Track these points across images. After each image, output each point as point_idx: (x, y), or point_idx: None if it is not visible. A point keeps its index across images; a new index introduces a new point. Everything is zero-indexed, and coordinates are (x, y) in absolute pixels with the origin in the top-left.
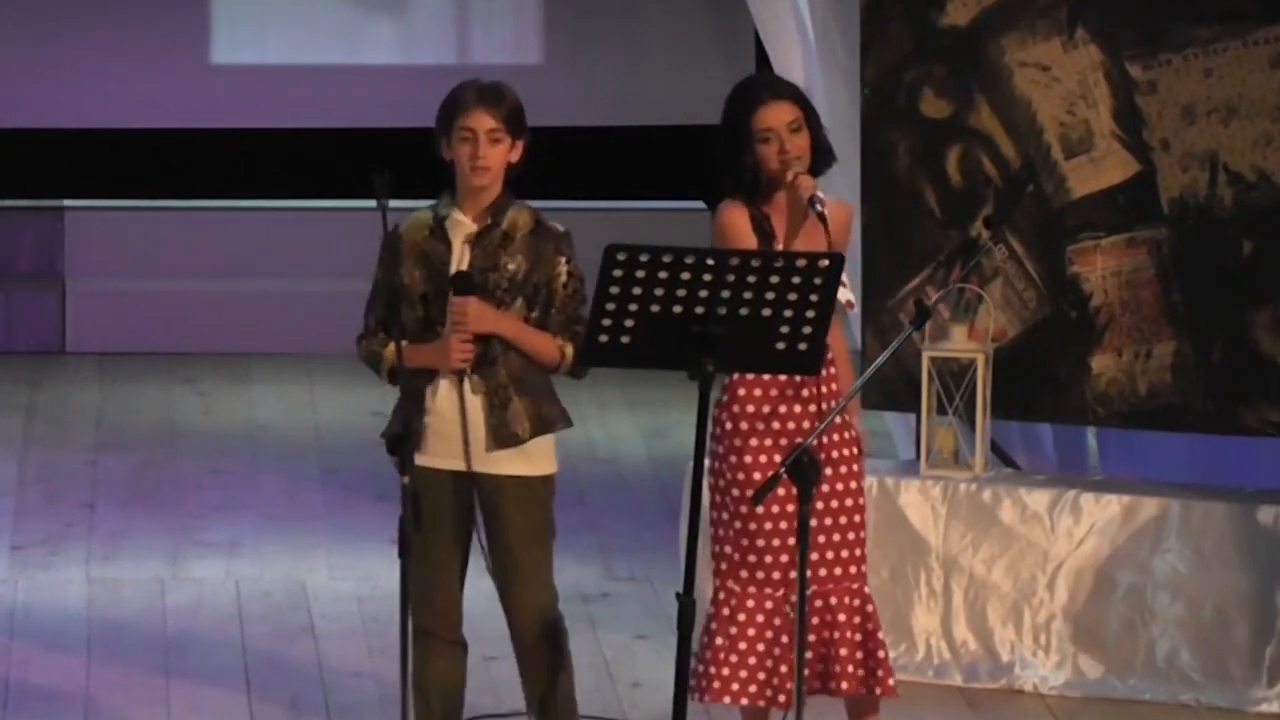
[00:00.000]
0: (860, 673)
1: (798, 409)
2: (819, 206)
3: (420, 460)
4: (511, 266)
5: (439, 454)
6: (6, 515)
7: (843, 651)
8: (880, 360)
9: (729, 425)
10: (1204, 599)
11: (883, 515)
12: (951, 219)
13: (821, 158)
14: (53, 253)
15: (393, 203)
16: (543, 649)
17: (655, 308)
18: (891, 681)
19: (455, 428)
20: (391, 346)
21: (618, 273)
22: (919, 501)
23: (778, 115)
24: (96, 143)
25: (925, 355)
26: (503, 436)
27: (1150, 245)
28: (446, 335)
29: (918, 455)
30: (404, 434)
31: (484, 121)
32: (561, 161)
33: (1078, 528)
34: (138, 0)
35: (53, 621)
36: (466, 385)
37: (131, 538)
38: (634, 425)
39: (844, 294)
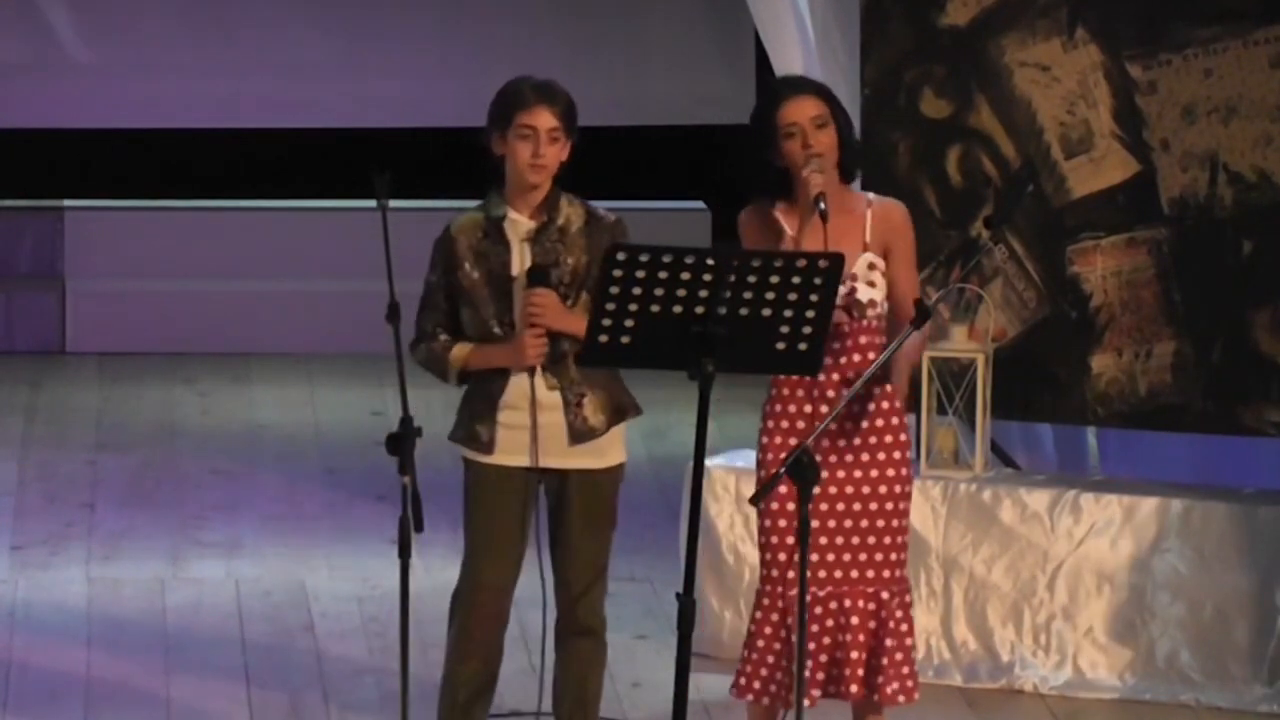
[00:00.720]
0: (871, 678)
1: (824, 409)
2: (822, 205)
3: (491, 460)
4: (570, 261)
5: (511, 452)
6: (6, 515)
7: (854, 655)
8: (880, 360)
9: (762, 424)
10: (1204, 599)
11: None
12: (951, 219)
13: (850, 157)
14: (53, 253)
15: (392, 203)
16: (586, 639)
17: (655, 308)
18: (889, 690)
19: (530, 426)
20: (458, 349)
21: (618, 273)
22: (919, 501)
23: (800, 110)
24: (96, 143)
25: (925, 355)
26: (579, 431)
27: (1150, 245)
28: (519, 333)
29: (918, 455)
30: (404, 434)
31: (545, 120)
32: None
33: (1078, 528)
34: (137, 0)
35: (53, 621)
36: (540, 382)
37: (131, 538)
38: (634, 425)
39: (870, 293)
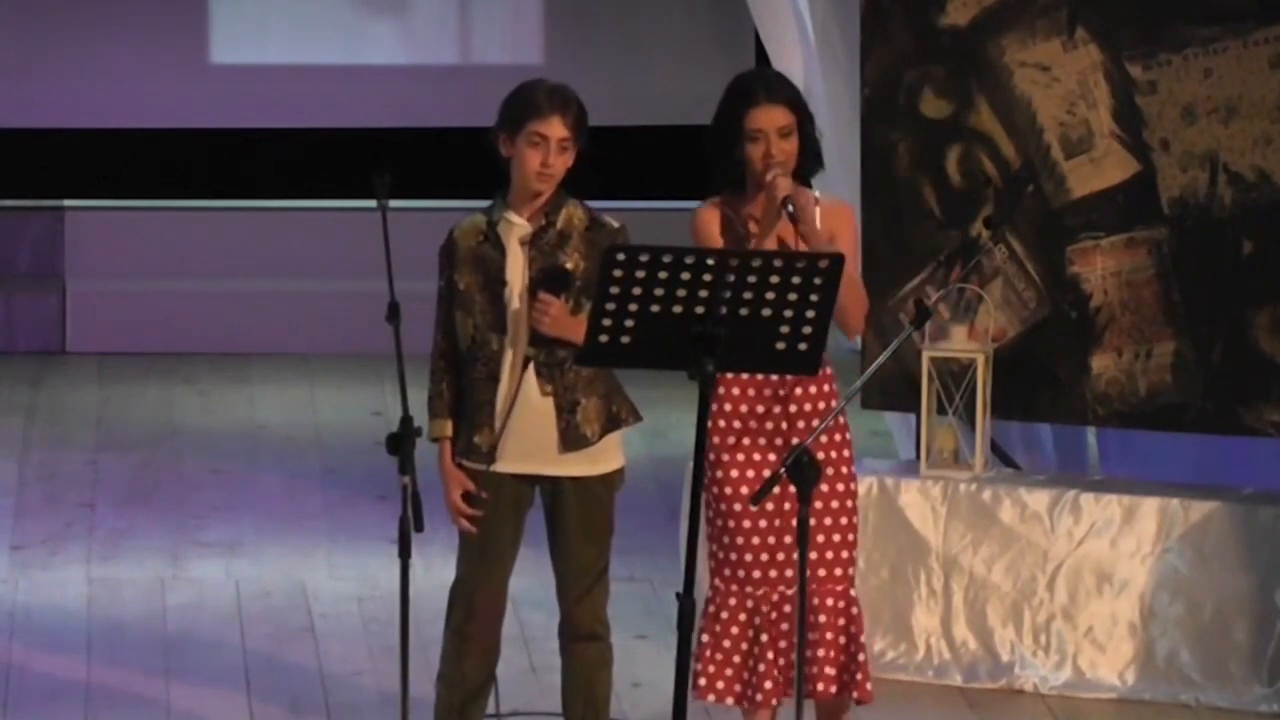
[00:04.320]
0: (839, 675)
1: (777, 410)
2: (790, 208)
3: (492, 467)
4: (569, 266)
5: (506, 459)
6: (6, 515)
7: (820, 653)
8: (880, 360)
9: (711, 424)
10: (1204, 599)
11: (883, 515)
12: (951, 219)
13: (809, 163)
14: (53, 253)
15: (392, 203)
16: (590, 644)
17: (655, 308)
18: (869, 686)
19: (523, 432)
20: (440, 424)
21: (618, 273)
22: (919, 501)
23: (770, 119)
24: (96, 143)
25: (925, 355)
26: (572, 439)
27: (1150, 245)
28: (449, 482)
29: (918, 455)
30: (404, 434)
31: (557, 129)
32: None
33: (1078, 528)
34: (137, 0)
35: (53, 621)
36: (534, 389)
37: (131, 538)
38: (634, 425)
39: None
